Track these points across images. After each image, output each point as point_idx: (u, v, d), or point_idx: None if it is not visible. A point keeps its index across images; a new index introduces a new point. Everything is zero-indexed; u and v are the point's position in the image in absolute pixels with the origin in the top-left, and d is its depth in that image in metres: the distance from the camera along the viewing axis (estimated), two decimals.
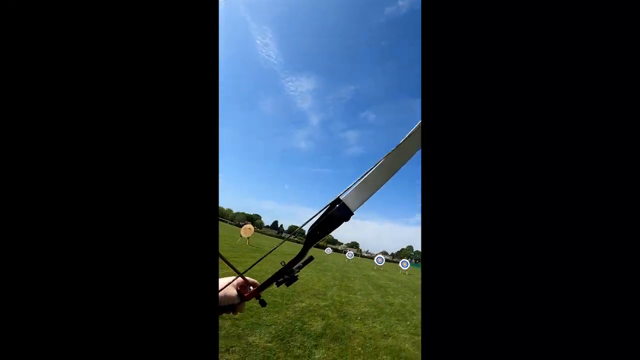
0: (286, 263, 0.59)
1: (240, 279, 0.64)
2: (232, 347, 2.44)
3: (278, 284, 0.58)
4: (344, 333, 3.50)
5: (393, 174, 0.49)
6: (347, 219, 0.52)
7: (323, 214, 0.53)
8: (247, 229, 16.06)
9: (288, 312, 3.88)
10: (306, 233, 0.55)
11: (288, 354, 2.59)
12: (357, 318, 4.35)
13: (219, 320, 2.84)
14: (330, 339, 3.23)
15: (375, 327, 4.05)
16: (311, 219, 0.55)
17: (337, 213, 0.52)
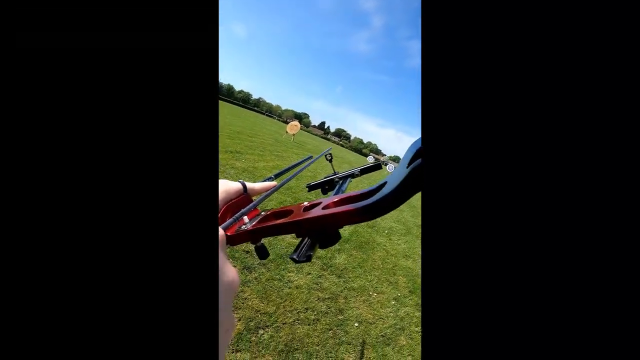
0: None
1: (230, 187, 0.34)
2: None
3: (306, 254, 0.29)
4: (368, 243, 3.60)
5: None
6: None
7: None
8: (293, 126, 16.22)
9: None
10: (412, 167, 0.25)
11: None
12: (384, 231, 4.43)
13: None
14: (354, 246, 3.34)
15: (399, 244, 4.09)
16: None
17: None
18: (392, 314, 2.26)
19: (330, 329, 1.82)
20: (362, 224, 3.77)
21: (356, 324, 1.96)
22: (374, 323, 2.05)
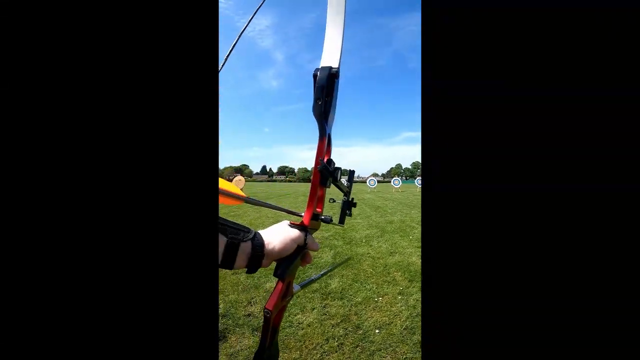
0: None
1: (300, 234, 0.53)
2: (252, 298, 2.52)
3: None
4: (353, 258, 3.68)
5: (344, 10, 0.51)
6: (337, 77, 0.49)
7: (315, 88, 0.49)
8: (238, 181, 16.05)
9: None
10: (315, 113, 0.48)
11: (305, 290, 2.71)
12: (362, 241, 4.57)
13: (235, 275, 2.91)
14: (342, 267, 3.39)
15: (381, 246, 4.27)
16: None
17: (323, 74, 0.48)
18: (404, 307, 2.35)
19: (357, 346, 1.84)
20: (339, 244, 3.78)
21: (377, 331, 2.01)
22: (393, 322, 2.12)
